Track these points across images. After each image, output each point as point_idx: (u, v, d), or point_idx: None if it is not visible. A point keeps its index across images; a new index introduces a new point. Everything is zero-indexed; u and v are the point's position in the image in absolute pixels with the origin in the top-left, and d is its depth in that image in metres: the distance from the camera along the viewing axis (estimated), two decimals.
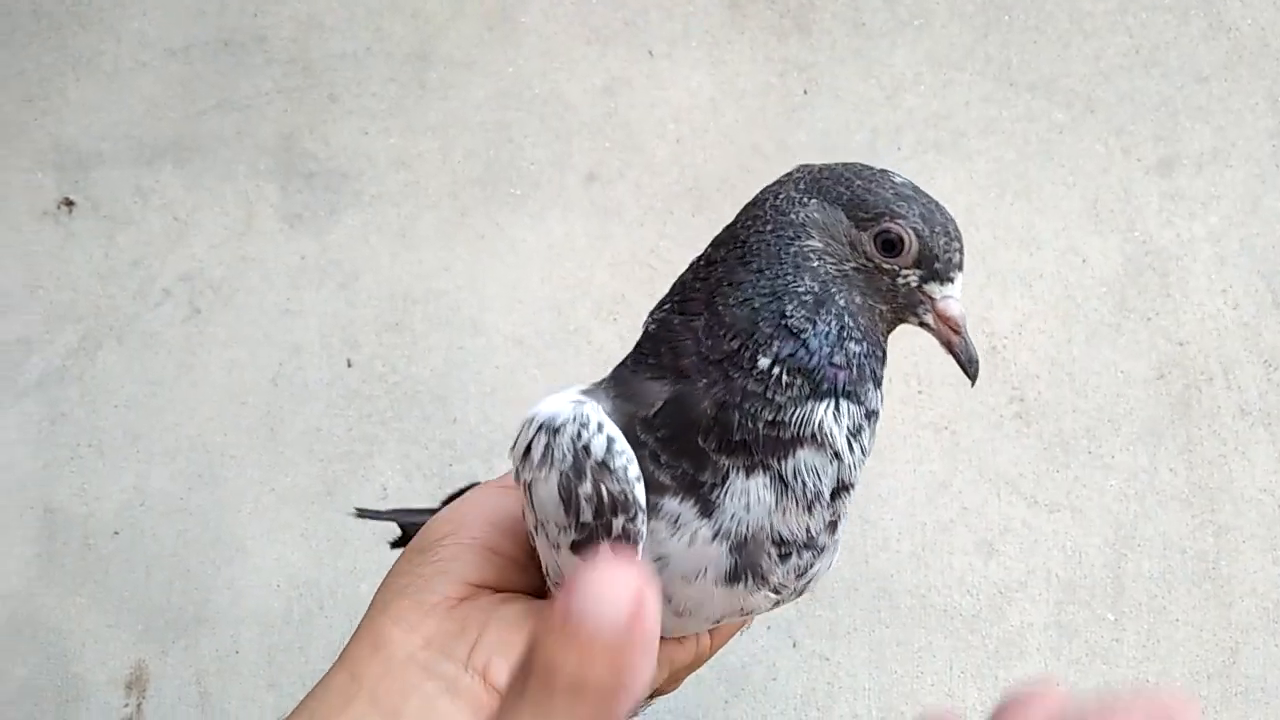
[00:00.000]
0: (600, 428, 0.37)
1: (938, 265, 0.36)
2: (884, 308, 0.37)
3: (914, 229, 0.36)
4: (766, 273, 0.37)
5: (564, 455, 0.37)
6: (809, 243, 0.37)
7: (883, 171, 0.38)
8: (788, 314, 0.36)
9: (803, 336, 0.36)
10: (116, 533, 0.91)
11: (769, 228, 0.38)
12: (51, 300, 0.95)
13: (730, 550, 0.37)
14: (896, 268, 0.36)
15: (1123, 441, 0.84)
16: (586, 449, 0.36)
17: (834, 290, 0.37)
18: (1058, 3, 0.92)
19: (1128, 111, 0.90)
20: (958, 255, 0.37)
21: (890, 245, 0.36)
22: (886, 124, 0.91)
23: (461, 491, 0.55)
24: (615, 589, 0.21)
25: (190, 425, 0.92)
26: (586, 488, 0.36)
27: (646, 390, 0.38)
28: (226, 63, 0.98)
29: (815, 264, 0.37)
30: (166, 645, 0.89)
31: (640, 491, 0.36)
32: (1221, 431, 0.84)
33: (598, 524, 0.37)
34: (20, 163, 0.98)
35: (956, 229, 0.37)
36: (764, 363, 0.36)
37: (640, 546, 0.37)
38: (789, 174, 0.40)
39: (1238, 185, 0.88)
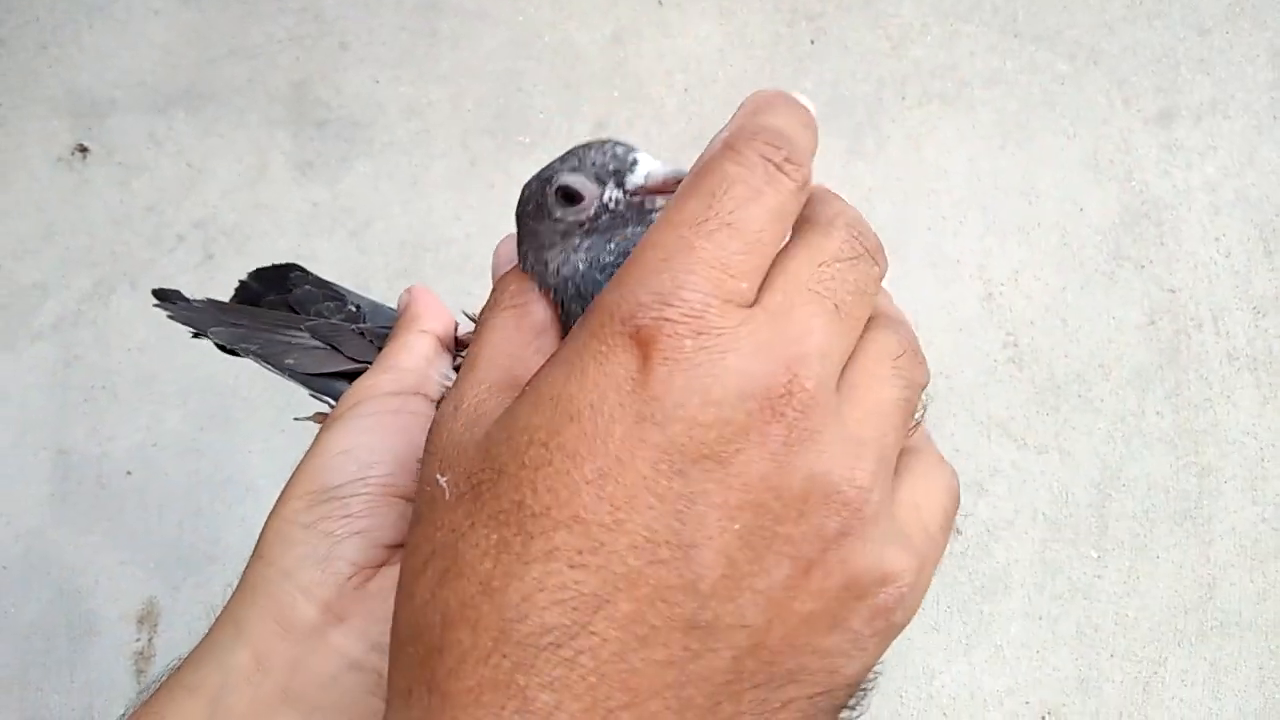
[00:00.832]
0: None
1: (613, 165, 0.35)
2: (629, 230, 0.36)
3: (570, 169, 0.35)
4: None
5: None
6: (547, 255, 0.36)
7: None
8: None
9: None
10: (129, 472, 0.93)
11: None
12: (67, 245, 0.97)
13: None
14: (599, 201, 0.35)
15: (1112, 386, 0.86)
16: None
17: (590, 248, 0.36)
18: None
19: (1130, 63, 0.92)
20: (618, 146, 0.35)
21: (568, 197, 0.35)
22: (892, 74, 0.93)
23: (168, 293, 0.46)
24: None
25: (202, 368, 0.94)
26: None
27: None
28: (238, 11, 1.00)
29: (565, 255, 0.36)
30: (178, 582, 0.91)
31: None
32: (1209, 376, 0.86)
33: None
34: (35, 110, 0.99)
35: (616, 139, 0.37)
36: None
37: None
38: None
39: (1235, 136, 0.90)
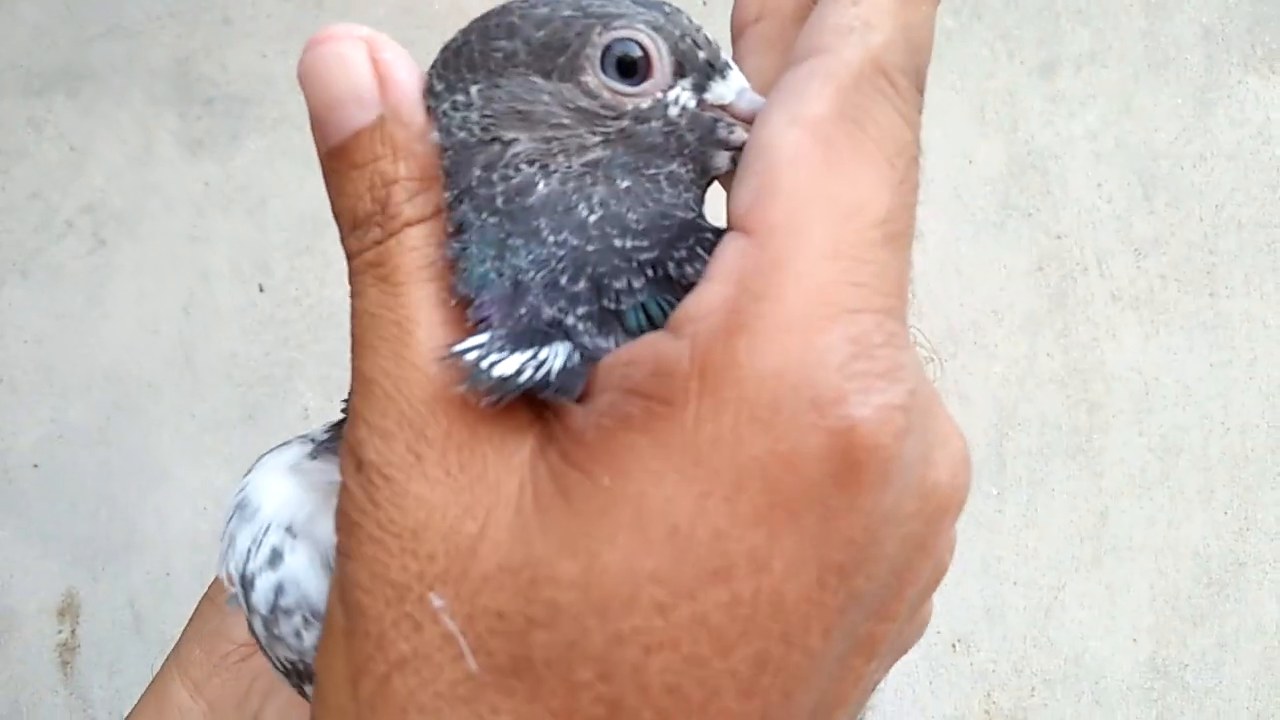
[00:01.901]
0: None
1: (704, 54, 0.23)
2: (673, 168, 0.24)
3: (647, 23, 0.23)
4: (489, 245, 0.22)
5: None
6: (513, 149, 0.23)
7: None
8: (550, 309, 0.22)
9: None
10: (36, 466, 0.92)
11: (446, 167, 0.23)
12: None
13: None
14: (658, 95, 0.23)
15: (1005, 331, 0.90)
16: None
17: (580, 209, 0.22)
18: None
19: (1013, 16, 0.94)
20: (709, 35, 0.24)
21: (627, 65, 0.23)
22: None
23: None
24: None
25: (103, 356, 0.93)
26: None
27: None
28: None
29: (534, 184, 0.23)
30: (96, 572, 0.91)
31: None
32: (1094, 317, 0.91)
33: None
34: None
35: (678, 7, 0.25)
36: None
37: None
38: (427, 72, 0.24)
39: (1113, 85, 0.93)
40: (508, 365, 0.19)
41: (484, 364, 0.19)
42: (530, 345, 0.20)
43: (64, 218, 0.93)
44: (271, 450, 0.27)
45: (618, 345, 0.20)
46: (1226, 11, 0.93)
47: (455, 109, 0.23)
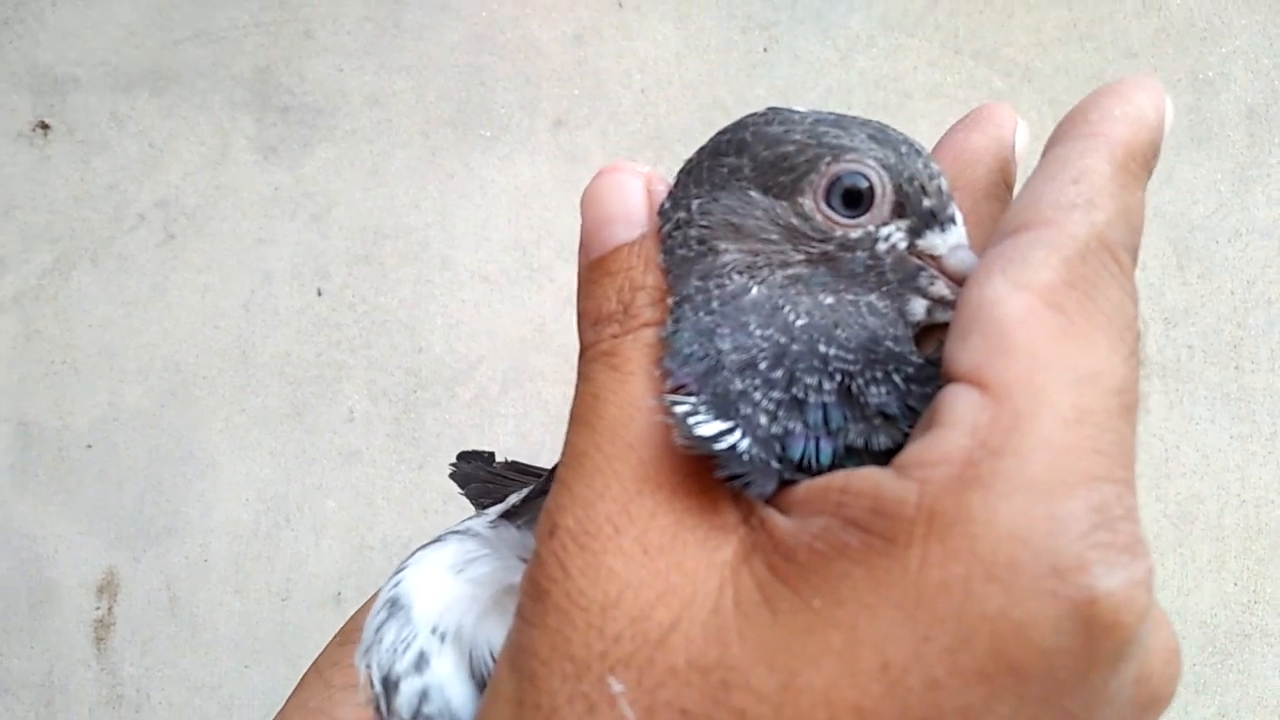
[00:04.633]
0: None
1: (928, 203, 0.24)
2: (872, 299, 0.24)
3: (877, 160, 0.24)
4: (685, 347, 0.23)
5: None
6: (723, 259, 0.24)
7: (775, 110, 0.26)
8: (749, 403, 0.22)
9: (788, 427, 0.22)
10: (89, 446, 0.96)
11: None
12: (27, 221, 0.99)
13: None
14: (870, 229, 0.24)
15: None
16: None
17: (786, 311, 0.23)
18: None
19: (1062, 82, 0.97)
20: (946, 182, 0.24)
21: (854, 196, 0.24)
22: (840, 84, 0.98)
23: (476, 453, 0.49)
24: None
25: (163, 346, 0.97)
26: None
27: None
28: None
29: (748, 290, 0.24)
30: (138, 553, 0.95)
31: None
32: None
33: None
34: None
35: (925, 149, 0.25)
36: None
37: None
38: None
39: None
40: (708, 427, 0.20)
41: (689, 420, 0.20)
42: (727, 417, 0.21)
43: (137, 210, 0.98)
44: (426, 545, 0.27)
45: (789, 432, 0.21)
46: (1272, 93, 0.96)
47: (677, 227, 0.24)
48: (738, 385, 0.22)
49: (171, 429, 0.95)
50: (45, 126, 0.99)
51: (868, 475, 0.19)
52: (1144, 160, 0.21)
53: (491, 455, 0.51)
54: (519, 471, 0.49)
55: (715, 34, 0.98)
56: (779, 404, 0.21)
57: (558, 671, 0.19)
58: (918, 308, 0.24)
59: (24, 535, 0.94)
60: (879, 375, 0.22)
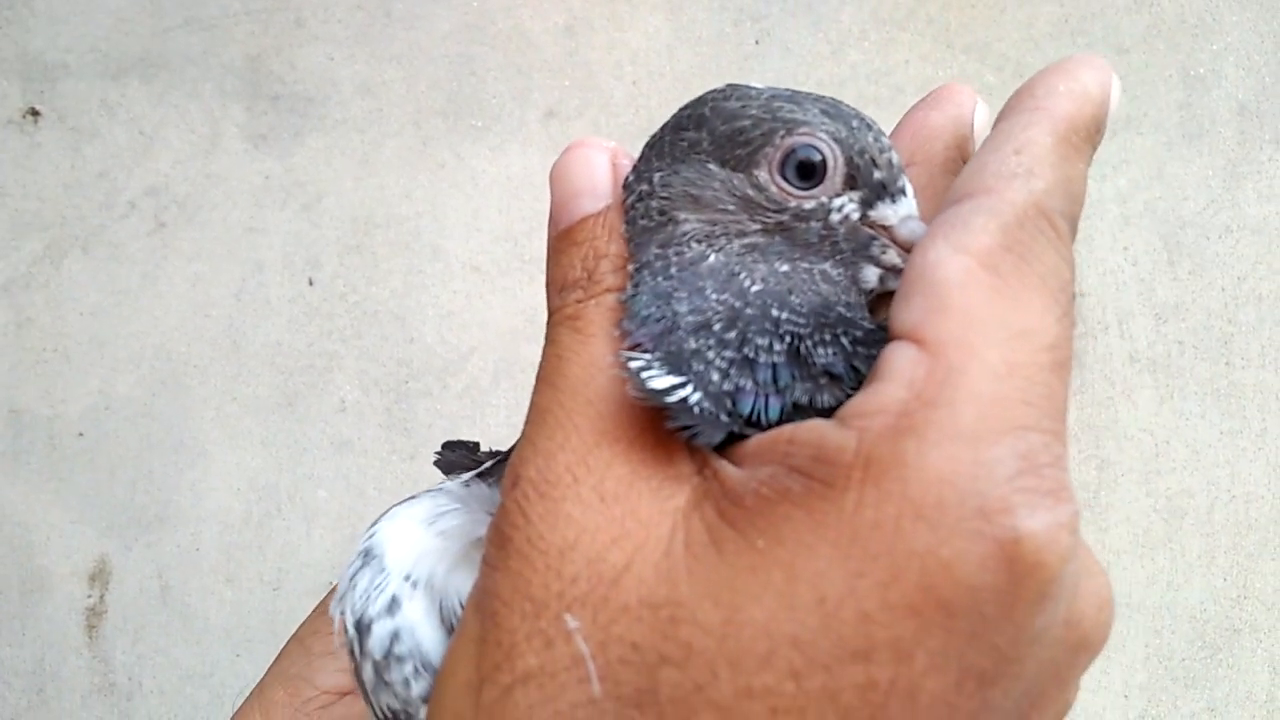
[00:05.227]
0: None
1: (879, 175, 0.25)
2: (826, 268, 0.25)
3: (829, 134, 0.25)
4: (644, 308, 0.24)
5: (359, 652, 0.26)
6: (683, 228, 0.25)
7: (734, 86, 0.27)
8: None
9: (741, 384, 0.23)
10: (81, 434, 0.96)
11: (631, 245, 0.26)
12: (16, 208, 0.98)
13: None
14: (823, 200, 0.25)
15: None
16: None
17: (742, 277, 0.25)
18: None
19: None
20: (896, 156, 0.26)
21: (807, 169, 0.25)
22: (831, 77, 0.97)
23: (461, 443, 0.49)
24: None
25: (155, 334, 0.97)
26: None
27: None
28: None
29: (705, 257, 0.25)
30: (129, 541, 0.95)
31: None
32: (1111, 376, 0.93)
33: None
34: None
35: (877, 124, 0.27)
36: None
37: None
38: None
39: (1146, 152, 0.96)
40: (660, 381, 0.22)
41: (643, 374, 0.22)
42: (680, 372, 0.22)
43: (128, 198, 0.98)
44: (401, 502, 0.28)
45: (739, 389, 0.22)
46: (1263, 90, 0.96)
47: (640, 199, 0.26)
48: (691, 344, 0.23)
49: (163, 418, 0.95)
50: (35, 113, 0.99)
51: (813, 427, 0.20)
52: (1087, 134, 0.22)
53: (476, 445, 0.51)
54: (503, 461, 0.49)
55: (707, 26, 0.98)
56: (731, 362, 0.23)
57: (518, 611, 0.20)
58: (870, 275, 0.26)
59: (15, 523, 0.94)
60: (828, 338, 0.23)
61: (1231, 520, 0.91)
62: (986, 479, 0.18)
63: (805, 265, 0.25)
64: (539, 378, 0.23)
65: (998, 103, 0.94)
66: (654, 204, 0.25)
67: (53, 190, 0.98)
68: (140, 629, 0.93)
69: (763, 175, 0.25)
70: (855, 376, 0.22)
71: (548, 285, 0.25)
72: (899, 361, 0.20)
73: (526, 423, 0.23)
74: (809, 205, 0.25)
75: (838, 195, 0.25)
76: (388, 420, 0.95)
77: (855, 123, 0.26)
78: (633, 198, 0.26)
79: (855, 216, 0.25)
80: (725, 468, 0.21)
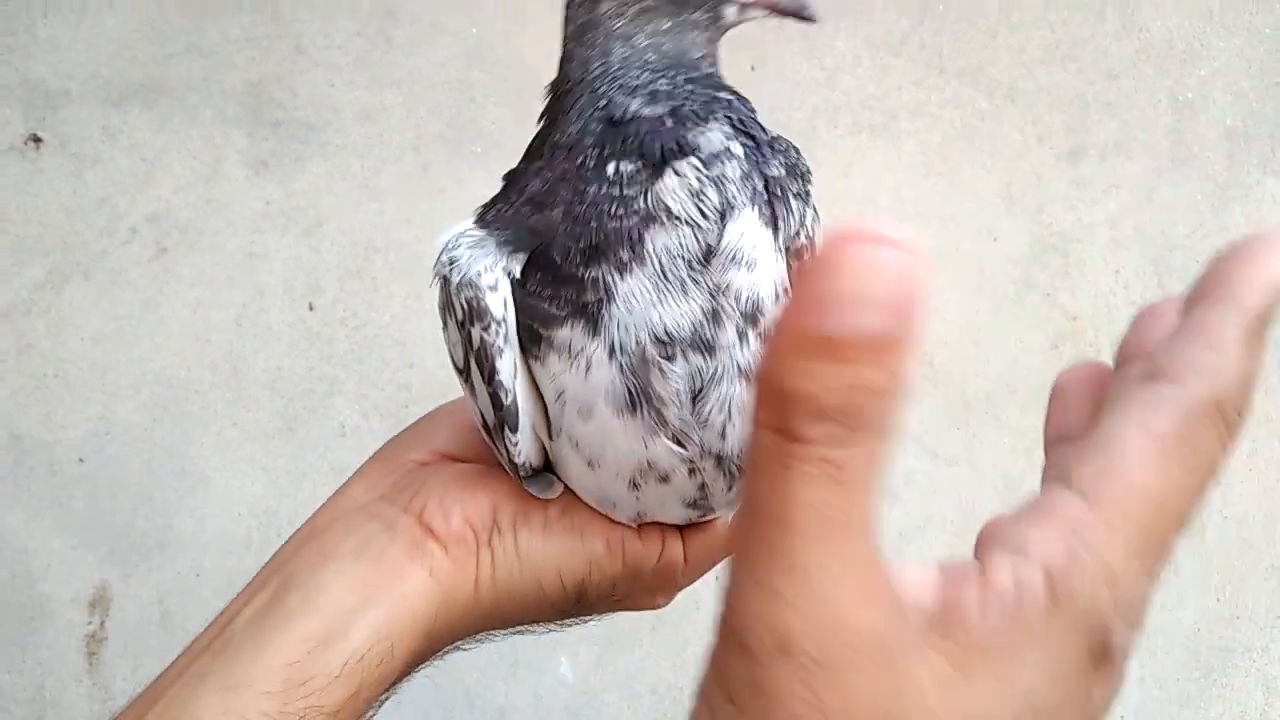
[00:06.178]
0: (453, 252, 0.37)
1: None
2: (695, 15, 0.35)
3: None
4: (577, 71, 0.37)
5: (440, 285, 0.38)
6: (599, 8, 0.36)
7: None
8: (602, 103, 0.35)
9: (615, 113, 0.34)
10: (81, 460, 0.96)
11: (568, 30, 0.39)
12: (18, 234, 0.98)
13: (622, 370, 0.35)
14: None
15: (1017, 405, 0.94)
16: (446, 277, 0.37)
17: (633, 39, 0.35)
18: None
19: (1044, 102, 0.99)
20: None
21: None
22: (826, 103, 0.98)
23: None
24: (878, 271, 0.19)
25: (156, 360, 0.97)
26: (454, 305, 0.37)
27: (521, 225, 0.37)
28: (195, 8, 1.01)
29: (613, 26, 0.36)
30: (130, 568, 0.95)
31: (490, 298, 0.35)
32: None
33: (466, 343, 0.37)
34: None
35: None
36: (609, 168, 0.34)
37: (502, 363, 0.36)
38: None
39: (1136, 176, 0.97)
40: None
41: None
42: None
43: (129, 224, 0.98)
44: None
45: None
46: (1250, 115, 0.97)
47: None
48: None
49: (163, 443, 0.95)
50: (37, 140, 0.99)
51: (1001, 565, 0.25)
52: (1271, 322, 0.25)
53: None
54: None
55: None
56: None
57: None
58: (730, 11, 0.36)
59: (15, 549, 0.94)
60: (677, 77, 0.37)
61: (1224, 541, 0.92)
62: (1108, 613, 0.23)
63: (679, 20, 0.35)
64: (786, 519, 0.22)
65: (992, 127, 0.96)
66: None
67: (54, 216, 0.98)
68: (141, 655, 0.93)
69: None
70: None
71: (777, 388, 0.21)
72: (1069, 509, 0.24)
73: (776, 572, 0.22)
74: None
75: None
76: None
77: None
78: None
79: None
80: (960, 603, 0.24)
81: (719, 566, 0.46)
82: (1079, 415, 0.29)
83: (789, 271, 0.36)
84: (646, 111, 0.34)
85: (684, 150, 0.33)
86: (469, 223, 0.39)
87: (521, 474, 0.40)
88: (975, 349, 0.94)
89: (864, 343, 0.20)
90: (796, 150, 0.38)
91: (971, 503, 0.92)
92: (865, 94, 0.97)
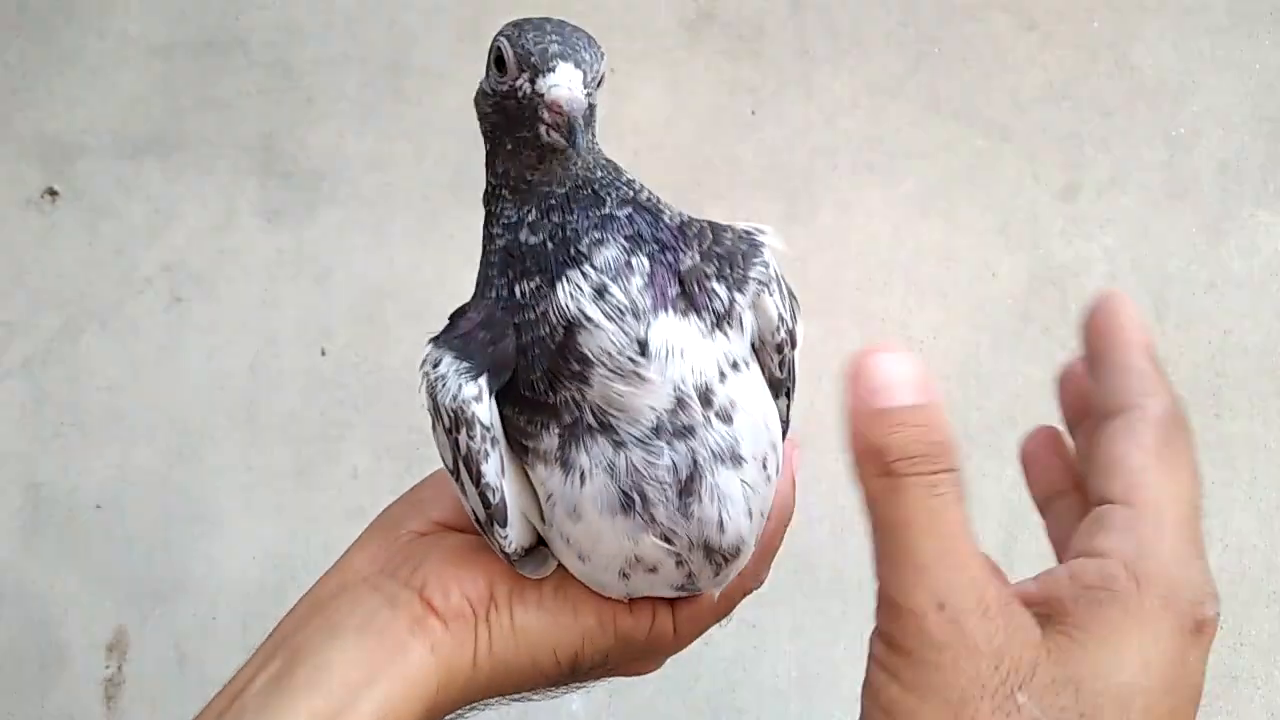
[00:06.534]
0: (439, 368, 0.39)
1: (534, 59, 0.35)
2: (524, 134, 0.36)
3: (504, 35, 0.36)
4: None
5: (426, 393, 0.39)
6: (489, 122, 0.38)
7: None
8: (501, 228, 0.38)
9: (514, 243, 0.37)
10: (99, 506, 0.97)
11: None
12: (35, 287, 1.00)
13: (611, 475, 0.37)
14: (510, 85, 0.36)
15: (1018, 438, 0.95)
16: (433, 387, 0.39)
17: (501, 158, 0.38)
18: (983, 38, 1.02)
19: (1039, 141, 1.00)
20: (553, 43, 0.35)
21: (499, 63, 0.36)
22: (825, 145, 1.00)
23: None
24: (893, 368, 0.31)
25: (171, 407, 0.99)
26: (441, 413, 0.38)
27: (485, 356, 0.38)
28: (208, 63, 1.04)
29: (491, 146, 0.39)
30: (146, 612, 0.96)
31: (476, 408, 0.37)
32: None
33: (454, 448, 0.38)
34: (4, 152, 1.02)
35: (559, 27, 0.36)
36: (518, 289, 0.37)
37: (488, 467, 0.38)
38: None
39: (1131, 211, 0.99)
40: None
41: None
42: None
43: (144, 274, 1.00)
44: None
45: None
46: (1242, 149, 0.99)
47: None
48: None
49: (179, 489, 0.97)
50: (53, 193, 1.01)
51: (1083, 565, 0.32)
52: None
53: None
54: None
55: (704, 98, 1.01)
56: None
57: (974, 692, 0.30)
58: (541, 130, 0.36)
59: (34, 596, 0.95)
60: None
61: (1225, 570, 0.93)
62: (1201, 585, 0.30)
63: (515, 138, 0.36)
64: (896, 524, 0.31)
65: (988, 166, 0.97)
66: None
67: (70, 268, 1.00)
68: (158, 699, 0.94)
69: (491, 74, 0.37)
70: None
71: (873, 446, 0.31)
72: (1121, 518, 0.31)
73: (902, 569, 0.31)
74: (503, 87, 0.36)
75: (518, 78, 0.36)
76: (400, 487, 0.96)
77: (530, 26, 0.36)
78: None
79: (529, 90, 0.35)
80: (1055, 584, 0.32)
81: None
82: (1056, 474, 0.39)
83: (753, 351, 0.41)
84: (533, 240, 0.37)
85: (574, 259, 0.36)
86: (444, 350, 0.40)
87: (513, 559, 0.42)
88: (976, 383, 0.96)
89: (908, 412, 0.31)
90: (717, 228, 0.40)
91: (977, 535, 0.93)
92: (864, 135, 0.99)
